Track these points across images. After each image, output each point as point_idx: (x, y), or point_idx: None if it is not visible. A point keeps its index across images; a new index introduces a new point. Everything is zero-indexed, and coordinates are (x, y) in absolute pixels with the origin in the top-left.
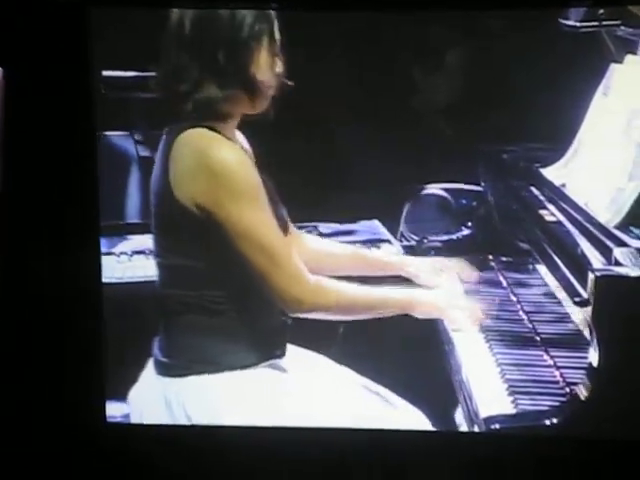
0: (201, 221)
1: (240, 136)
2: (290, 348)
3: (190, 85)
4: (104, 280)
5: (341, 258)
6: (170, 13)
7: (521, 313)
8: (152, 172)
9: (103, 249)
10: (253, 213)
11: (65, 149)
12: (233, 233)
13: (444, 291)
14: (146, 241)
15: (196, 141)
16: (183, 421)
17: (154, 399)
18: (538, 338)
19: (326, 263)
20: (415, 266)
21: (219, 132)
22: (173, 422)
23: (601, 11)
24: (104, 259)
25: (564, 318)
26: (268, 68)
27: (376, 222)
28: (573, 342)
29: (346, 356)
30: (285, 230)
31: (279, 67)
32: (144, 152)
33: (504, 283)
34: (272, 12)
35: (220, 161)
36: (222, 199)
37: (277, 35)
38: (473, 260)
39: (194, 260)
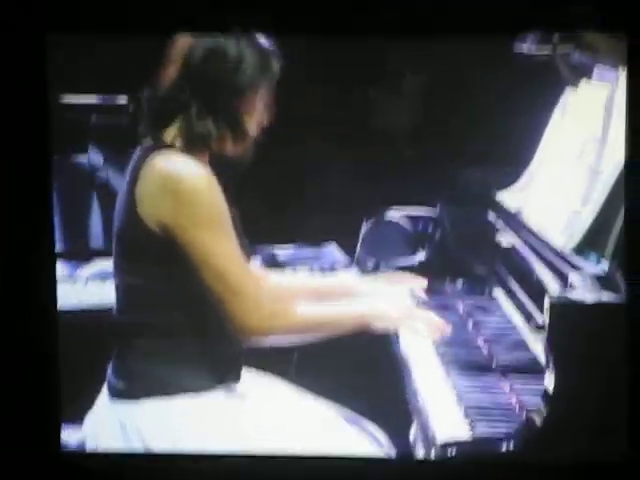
0: (163, 242)
1: (209, 168)
2: (245, 371)
3: (185, 112)
4: (59, 307)
5: (294, 290)
6: (177, 40)
7: (478, 338)
8: (108, 197)
9: (58, 274)
10: (217, 239)
11: (20, 173)
12: (194, 257)
13: (399, 302)
14: (102, 266)
15: (167, 163)
16: (138, 445)
17: (109, 424)
18: (494, 363)
19: (280, 296)
20: (366, 284)
21: (191, 158)
22: (129, 446)
23: (555, 37)
24: (59, 285)
25: (520, 343)
26: (258, 118)
27: (333, 245)
28: (529, 367)
29: (302, 378)
30: (249, 259)
31: (265, 120)
32: (100, 177)
33: (460, 308)
34: (277, 63)
35: (189, 183)
36: (187, 222)
37: (275, 88)
38: (429, 285)
39: (153, 282)
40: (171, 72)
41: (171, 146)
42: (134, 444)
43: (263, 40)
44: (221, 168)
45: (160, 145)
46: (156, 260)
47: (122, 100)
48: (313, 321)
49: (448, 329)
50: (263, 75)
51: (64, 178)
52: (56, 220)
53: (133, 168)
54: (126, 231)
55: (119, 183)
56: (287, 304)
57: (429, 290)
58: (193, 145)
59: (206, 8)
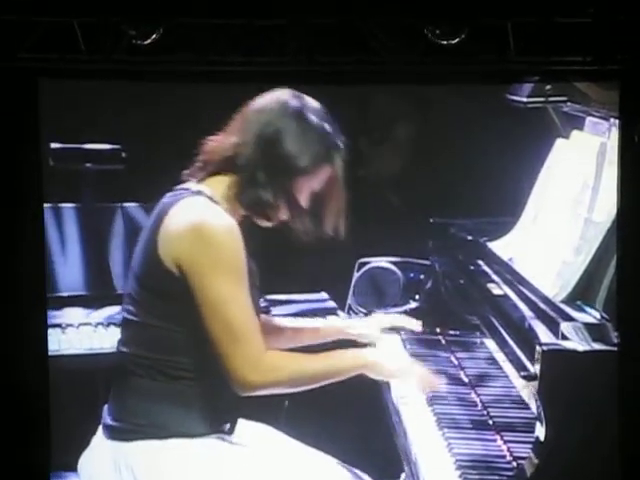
0: (178, 284)
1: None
2: (239, 422)
3: (246, 173)
4: (50, 352)
5: (284, 331)
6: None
7: (468, 387)
8: (102, 242)
9: (49, 321)
10: (230, 287)
11: (12, 220)
12: (206, 302)
13: (396, 355)
14: (92, 313)
15: (196, 207)
16: None
17: (103, 464)
18: (486, 412)
19: (279, 339)
20: (358, 327)
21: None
22: None
23: (548, 87)
24: (50, 331)
25: (511, 392)
26: (304, 199)
27: (323, 294)
28: (520, 416)
29: (293, 428)
30: (258, 313)
31: (308, 203)
32: (92, 224)
33: (452, 358)
34: (339, 156)
35: (212, 228)
36: (204, 265)
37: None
38: (421, 335)
39: (163, 321)
40: (240, 133)
41: (206, 194)
42: None
43: (331, 129)
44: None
45: (195, 192)
46: (169, 300)
47: (115, 146)
48: (310, 373)
49: (440, 386)
50: (322, 161)
51: (56, 225)
52: (48, 267)
53: (162, 209)
54: (144, 268)
55: (110, 230)
56: (285, 355)
57: (421, 339)
58: (253, 210)
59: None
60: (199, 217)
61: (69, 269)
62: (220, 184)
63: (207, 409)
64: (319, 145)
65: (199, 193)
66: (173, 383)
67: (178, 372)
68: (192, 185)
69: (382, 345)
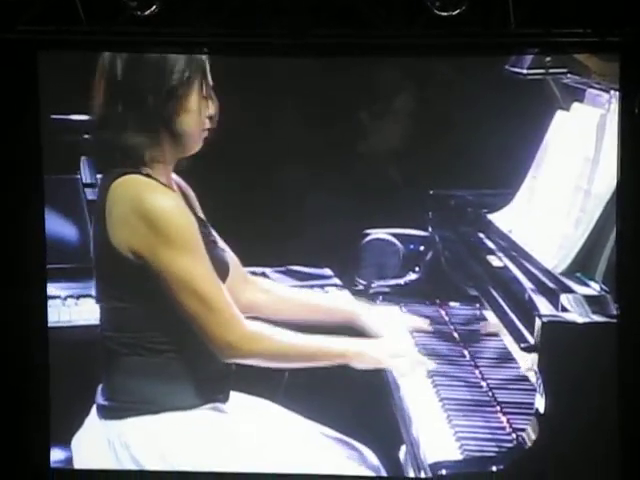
0: (137, 267)
1: (177, 179)
2: (234, 394)
3: (114, 132)
4: (50, 324)
5: (293, 302)
6: (101, 56)
7: (468, 359)
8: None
9: (49, 292)
10: (187, 259)
11: (12, 192)
12: (168, 278)
13: (384, 341)
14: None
15: (130, 188)
16: (128, 463)
17: (97, 443)
18: (485, 384)
19: (278, 307)
20: (366, 317)
21: (154, 178)
22: (119, 465)
23: (548, 59)
24: (50, 302)
25: (511, 364)
26: (197, 113)
27: (323, 265)
28: (520, 388)
29: (292, 401)
30: (225, 274)
31: (211, 109)
32: (91, 195)
33: (451, 329)
34: (204, 57)
35: (153, 207)
36: (156, 245)
37: (209, 79)
38: (420, 306)
39: (132, 303)
40: (100, 93)
41: (131, 169)
42: (124, 463)
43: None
44: (186, 179)
45: (120, 169)
46: (132, 284)
47: None
48: (295, 350)
49: (431, 366)
50: (191, 70)
51: (55, 196)
52: (48, 238)
53: (100, 195)
54: (101, 258)
55: None
56: (271, 328)
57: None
58: (136, 161)
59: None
60: (136, 199)
61: (69, 241)
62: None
63: (195, 380)
64: (176, 57)
65: (125, 169)
66: (157, 357)
67: (160, 346)
68: (114, 163)
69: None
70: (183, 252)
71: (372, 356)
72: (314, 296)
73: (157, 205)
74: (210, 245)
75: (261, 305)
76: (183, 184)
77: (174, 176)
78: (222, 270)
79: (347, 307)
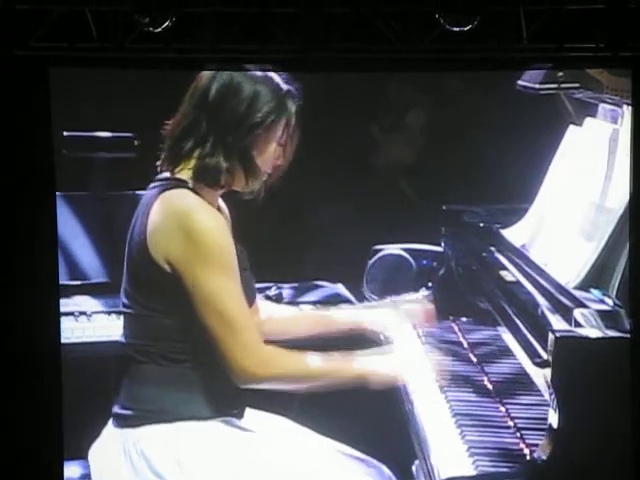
0: (170, 278)
1: (222, 203)
2: (249, 411)
3: (198, 146)
4: (63, 340)
5: (299, 320)
6: (199, 74)
7: (481, 374)
8: (115, 229)
9: (62, 309)
10: (221, 280)
11: (24, 208)
12: (198, 294)
13: (398, 357)
14: (105, 301)
15: (180, 201)
16: (145, 471)
17: (114, 453)
18: (498, 398)
19: (284, 327)
20: (371, 323)
21: (203, 197)
22: (135, 474)
23: (560, 74)
24: (63, 319)
25: (524, 379)
26: (271, 156)
27: (336, 282)
28: (533, 403)
29: (305, 416)
30: (251, 301)
31: (281, 159)
32: (104, 212)
33: (464, 344)
34: (292, 104)
35: (198, 224)
36: (193, 261)
37: (292, 127)
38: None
39: (160, 313)
40: (187, 107)
41: (184, 183)
42: (138, 468)
43: (280, 80)
44: (233, 206)
45: (174, 182)
46: (164, 294)
47: (127, 134)
48: (311, 374)
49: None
50: (278, 114)
51: (68, 213)
52: (59, 255)
53: (146, 203)
54: (136, 264)
55: (122, 217)
56: (286, 352)
57: (434, 326)
58: (203, 179)
59: (222, 44)
60: (183, 214)
61: (81, 257)
62: (192, 167)
63: (211, 392)
64: (270, 96)
65: (178, 182)
66: (175, 367)
67: (179, 356)
68: (168, 174)
69: (395, 338)
70: (219, 272)
71: (390, 376)
72: (317, 312)
73: (202, 221)
74: (243, 271)
75: (268, 326)
76: (225, 207)
77: (220, 200)
78: (250, 296)
79: (352, 317)
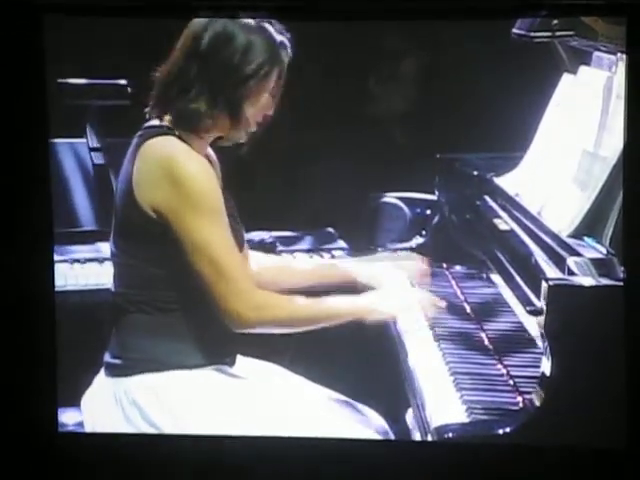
0: (158, 226)
1: (212, 152)
2: (241, 359)
3: (184, 92)
4: (57, 288)
5: (289, 272)
6: (191, 22)
7: (474, 322)
8: (109, 177)
9: (56, 256)
10: (210, 226)
11: (18, 156)
12: (187, 242)
13: (393, 293)
14: (99, 248)
15: (165, 148)
16: (137, 420)
17: (105, 401)
18: (491, 347)
19: (274, 278)
20: (365, 277)
21: (189, 144)
22: (127, 422)
23: (555, 22)
24: (57, 266)
25: (517, 327)
26: (260, 109)
27: (330, 230)
28: (526, 351)
29: (297, 363)
30: (241, 247)
31: (271, 110)
32: (98, 160)
33: (458, 292)
34: (287, 55)
35: (185, 171)
36: (181, 208)
37: (282, 79)
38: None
39: (149, 262)
40: (179, 54)
41: (171, 130)
42: (133, 419)
43: (274, 30)
44: (220, 154)
45: (160, 129)
46: (151, 242)
47: (121, 81)
48: (305, 314)
49: (442, 304)
50: (271, 66)
51: (62, 160)
52: (54, 203)
53: (132, 151)
54: (123, 213)
55: (117, 165)
56: (279, 296)
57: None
58: (183, 123)
59: None
60: (167, 160)
61: (75, 204)
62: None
63: (202, 341)
64: (264, 47)
65: (165, 129)
66: (165, 316)
67: (168, 305)
68: (157, 121)
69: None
70: (206, 218)
71: (386, 311)
72: (308, 262)
73: (189, 168)
74: (231, 217)
75: (261, 278)
76: (214, 157)
77: (209, 148)
78: (239, 243)
79: (345, 266)
